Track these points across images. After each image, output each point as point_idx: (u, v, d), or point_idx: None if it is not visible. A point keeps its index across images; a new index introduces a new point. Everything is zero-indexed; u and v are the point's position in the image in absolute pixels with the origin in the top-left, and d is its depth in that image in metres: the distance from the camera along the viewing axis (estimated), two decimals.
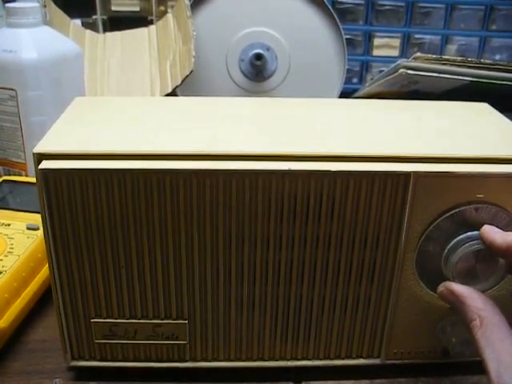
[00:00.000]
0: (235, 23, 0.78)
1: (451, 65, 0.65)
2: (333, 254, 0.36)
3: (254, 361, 0.40)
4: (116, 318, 0.38)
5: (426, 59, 0.66)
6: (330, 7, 0.78)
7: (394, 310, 0.38)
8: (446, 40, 0.90)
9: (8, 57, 0.56)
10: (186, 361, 0.40)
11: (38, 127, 0.57)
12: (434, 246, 0.36)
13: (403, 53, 0.90)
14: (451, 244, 0.36)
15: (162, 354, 0.39)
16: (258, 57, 0.78)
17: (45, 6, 0.76)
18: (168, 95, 0.74)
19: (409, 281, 0.37)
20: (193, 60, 0.72)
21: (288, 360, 0.40)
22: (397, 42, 0.90)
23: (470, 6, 0.88)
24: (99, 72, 0.80)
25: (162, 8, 0.92)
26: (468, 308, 0.33)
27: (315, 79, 0.81)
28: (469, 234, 0.35)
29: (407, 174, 0.34)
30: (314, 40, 0.79)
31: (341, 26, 0.78)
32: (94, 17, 0.92)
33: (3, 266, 0.43)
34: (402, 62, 0.66)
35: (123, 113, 0.41)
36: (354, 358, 0.40)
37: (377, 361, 0.40)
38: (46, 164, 0.33)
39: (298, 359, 0.40)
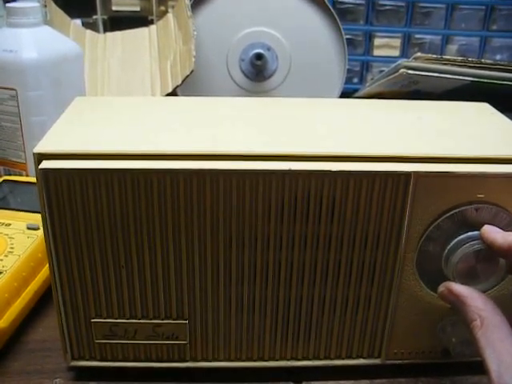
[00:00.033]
0: (236, 23, 0.78)
1: (452, 65, 0.65)
2: (333, 254, 0.36)
3: (255, 361, 0.40)
4: (116, 318, 0.38)
5: (427, 59, 0.66)
6: (330, 7, 0.78)
7: (395, 310, 0.38)
8: (446, 40, 0.90)
9: (8, 57, 0.56)
10: (186, 361, 0.40)
11: (38, 127, 0.57)
12: (435, 246, 0.36)
13: (404, 53, 0.90)
14: (452, 244, 0.36)
15: (162, 354, 0.39)
16: (259, 57, 0.78)
17: (45, 6, 0.76)
18: (168, 95, 0.74)
19: (409, 281, 0.37)
20: (193, 60, 0.72)
21: (288, 360, 0.40)
22: (397, 42, 0.90)
23: (470, 5, 0.87)
24: (99, 72, 0.80)
25: (163, 8, 0.92)
26: (468, 308, 0.33)
27: (316, 79, 0.81)
28: (469, 234, 0.35)
29: (408, 174, 0.34)
30: (315, 40, 0.79)
31: (341, 26, 0.78)
32: (94, 17, 0.92)
33: (3, 266, 0.43)
34: (403, 61, 0.66)
35: (123, 113, 0.41)
36: (354, 358, 0.40)
37: (377, 361, 0.40)
38: (46, 164, 0.33)
39: (299, 359, 0.40)
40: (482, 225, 0.35)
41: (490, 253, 0.35)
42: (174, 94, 0.75)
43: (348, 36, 0.85)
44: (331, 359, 0.40)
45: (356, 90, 0.86)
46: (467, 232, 0.35)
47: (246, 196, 0.34)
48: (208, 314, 0.38)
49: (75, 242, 0.35)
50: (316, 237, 0.36)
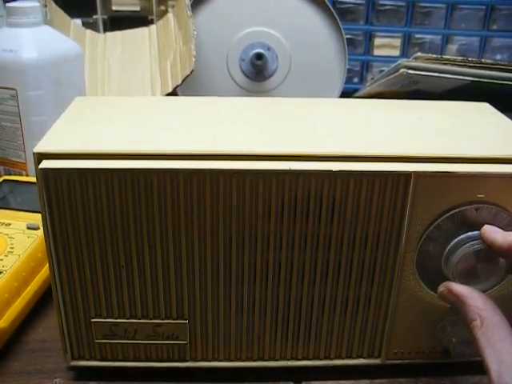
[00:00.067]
0: (236, 23, 0.78)
1: (452, 65, 0.65)
2: (333, 253, 0.36)
3: (254, 361, 0.40)
4: (116, 318, 0.38)
5: (427, 59, 0.66)
6: (330, 7, 0.78)
7: (395, 310, 0.38)
8: (446, 40, 0.90)
9: (8, 56, 0.56)
10: (186, 361, 0.40)
11: (38, 127, 0.57)
12: (435, 246, 0.36)
13: (404, 52, 0.90)
14: (452, 244, 0.36)
15: (162, 354, 0.39)
16: (259, 56, 0.78)
17: (45, 6, 0.76)
18: (168, 95, 0.74)
19: (409, 281, 0.37)
20: (193, 60, 0.72)
21: (288, 360, 0.40)
22: (397, 42, 0.90)
23: (470, 5, 0.87)
24: (100, 72, 0.80)
25: (163, 8, 0.92)
26: (468, 308, 0.33)
27: (316, 79, 0.81)
28: (469, 233, 0.35)
29: (408, 174, 0.34)
30: (315, 40, 0.79)
31: (341, 26, 0.78)
32: (94, 16, 0.92)
33: (3, 266, 0.43)
34: (403, 61, 0.66)
35: (123, 112, 0.41)
36: (354, 358, 0.40)
37: (377, 361, 0.40)
38: (46, 164, 0.33)
39: (299, 359, 0.40)
40: (482, 225, 0.35)
41: (489, 253, 0.35)
42: (174, 93, 0.75)
43: (348, 36, 0.85)
44: (331, 359, 0.40)
45: (356, 90, 0.86)
46: (467, 232, 0.35)
47: (245, 196, 0.34)
48: (208, 314, 0.38)
49: (75, 241, 0.35)
50: (316, 237, 0.36)
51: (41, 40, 0.57)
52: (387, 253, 0.36)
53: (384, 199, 0.35)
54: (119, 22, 0.91)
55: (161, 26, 0.85)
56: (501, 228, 0.35)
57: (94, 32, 0.85)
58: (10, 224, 0.48)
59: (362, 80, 0.92)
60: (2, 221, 0.49)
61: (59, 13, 0.80)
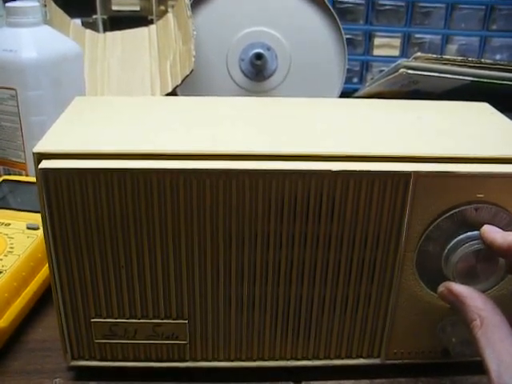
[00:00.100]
0: (235, 23, 0.78)
1: (452, 64, 0.65)
2: (333, 253, 0.36)
3: (254, 361, 0.40)
4: (116, 318, 0.38)
5: (427, 59, 0.66)
6: (330, 7, 0.78)
7: (394, 310, 0.38)
8: (446, 40, 0.90)
9: (8, 56, 0.56)
10: (186, 361, 0.40)
11: (37, 127, 0.57)
12: (434, 246, 0.36)
13: (403, 52, 0.90)
14: (451, 244, 0.36)
15: (162, 354, 0.39)
16: (259, 56, 0.78)
17: (45, 6, 0.76)
18: (168, 95, 0.74)
19: (409, 281, 0.37)
20: (193, 60, 0.72)
21: (288, 360, 0.40)
22: (397, 42, 0.90)
23: (470, 5, 0.87)
24: (99, 72, 0.80)
25: (163, 7, 0.92)
26: (468, 308, 0.33)
27: (315, 79, 0.81)
28: (469, 233, 0.35)
29: (407, 174, 0.34)
30: (315, 40, 0.79)
31: (341, 26, 0.78)
32: (94, 16, 0.92)
33: (3, 266, 0.43)
34: (403, 61, 0.66)
35: (123, 112, 0.41)
36: (354, 358, 0.40)
37: (377, 361, 0.40)
38: (45, 164, 0.33)
39: (298, 359, 0.40)
40: (482, 225, 0.35)
41: (489, 253, 0.35)
42: (173, 93, 0.75)
43: (348, 36, 0.85)
44: (331, 359, 0.40)
45: (356, 90, 0.86)
46: (467, 232, 0.35)
47: (245, 196, 0.34)
48: (208, 314, 0.38)
49: (75, 241, 0.35)
50: (316, 236, 0.36)
51: (40, 40, 0.57)
52: (387, 252, 0.36)
53: (384, 199, 0.35)
54: (119, 21, 0.91)
55: (160, 26, 0.85)
56: (500, 228, 0.35)
57: (93, 32, 0.85)
58: (9, 224, 0.48)
59: (362, 80, 0.92)
60: (2, 221, 0.49)
61: (59, 13, 0.80)
